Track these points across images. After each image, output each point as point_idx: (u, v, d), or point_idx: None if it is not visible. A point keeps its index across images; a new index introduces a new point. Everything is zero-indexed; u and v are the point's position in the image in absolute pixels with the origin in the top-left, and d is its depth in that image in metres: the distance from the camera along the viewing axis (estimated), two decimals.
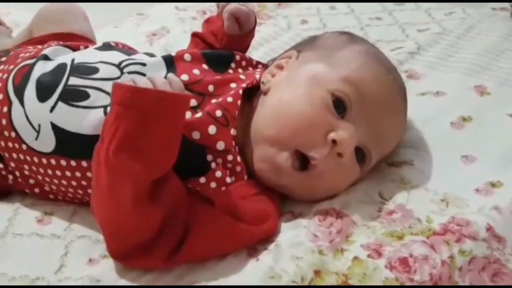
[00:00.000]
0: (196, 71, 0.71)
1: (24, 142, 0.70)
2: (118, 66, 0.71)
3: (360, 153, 0.67)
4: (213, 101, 0.68)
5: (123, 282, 0.61)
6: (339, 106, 0.66)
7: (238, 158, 0.67)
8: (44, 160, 0.69)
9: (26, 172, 0.72)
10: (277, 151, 0.65)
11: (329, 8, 1.20)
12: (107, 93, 0.67)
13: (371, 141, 0.67)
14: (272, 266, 0.59)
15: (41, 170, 0.70)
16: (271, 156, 0.66)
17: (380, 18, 1.12)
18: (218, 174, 0.65)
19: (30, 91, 0.70)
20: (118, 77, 0.69)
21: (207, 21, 0.89)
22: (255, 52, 0.98)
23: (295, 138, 0.65)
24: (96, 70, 0.71)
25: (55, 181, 0.70)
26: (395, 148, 0.73)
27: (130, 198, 0.58)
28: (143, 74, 0.68)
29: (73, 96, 0.68)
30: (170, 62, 0.72)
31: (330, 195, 0.67)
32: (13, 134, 0.70)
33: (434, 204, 0.65)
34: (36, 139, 0.69)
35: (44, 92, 0.70)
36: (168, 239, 0.60)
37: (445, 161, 0.72)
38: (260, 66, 0.79)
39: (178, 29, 1.13)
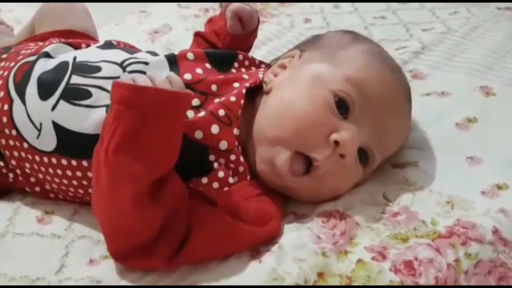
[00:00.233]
0: (199, 70, 0.70)
1: (25, 141, 0.69)
2: (120, 65, 0.71)
3: (363, 154, 0.66)
4: (216, 100, 0.67)
5: (124, 283, 0.60)
6: (342, 106, 0.65)
7: (241, 158, 0.67)
8: (45, 159, 0.68)
9: (27, 171, 0.72)
10: (278, 152, 0.65)
11: (332, 6, 1.19)
12: (109, 92, 0.66)
13: (374, 142, 0.66)
14: (275, 268, 0.59)
15: (42, 169, 0.70)
16: (271, 158, 0.65)
17: (384, 17, 1.11)
18: (221, 174, 0.65)
19: (32, 89, 0.70)
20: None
21: (210, 21, 0.88)
22: (258, 51, 0.98)
23: (297, 138, 0.64)
24: (98, 69, 0.70)
25: (56, 180, 0.70)
26: (399, 149, 0.72)
27: (130, 198, 0.58)
28: (146, 73, 0.68)
29: (75, 95, 0.68)
30: (173, 61, 0.71)
31: (333, 196, 0.67)
32: (14, 132, 0.70)
33: (439, 206, 0.65)
34: (38, 137, 0.68)
35: (45, 90, 0.69)
36: (170, 239, 0.60)
37: (450, 163, 0.72)
38: (263, 65, 0.78)
39: (180, 27, 1.12)
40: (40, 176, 0.71)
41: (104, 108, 0.66)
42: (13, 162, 0.72)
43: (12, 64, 0.74)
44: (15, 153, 0.71)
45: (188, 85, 0.67)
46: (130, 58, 0.72)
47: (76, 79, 0.69)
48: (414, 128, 0.77)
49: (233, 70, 0.73)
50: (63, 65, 0.71)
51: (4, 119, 0.70)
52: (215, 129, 0.65)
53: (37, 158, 0.69)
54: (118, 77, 0.68)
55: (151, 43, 1.07)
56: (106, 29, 1.08)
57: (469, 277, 0.56)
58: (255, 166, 0.67)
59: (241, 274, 0.59)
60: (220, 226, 0.61)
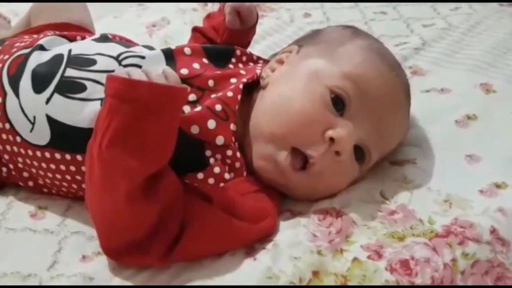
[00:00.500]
0: (196, 65, 0.69)
1: (19, 134, 0.68)
2: (116, 58, 0.70)
3: (359, 152, 0.65)
4: (213, 96, 0.67)
5: (117, 280, 0.60)
6: (338, 103, 0.64)
7: (238, 154, 0.66)
8: (39, 153, 0.68)
9: (20, 165, 0.71)
10: (276, 149, 0.64)
11: (333, 1, 1.17)
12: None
13: (371, 140, 0.65)
14: (270, 266, 0.58)
15: (35, 163, 0.69)
16: (270, 154, 0.64)
17: (385, 13, 1.10)
18: (217, 170, 0.64)
19: (26, 82, 0.69)
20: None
21: (208, 16, 0.88)
22: (257, 45, 0.97)
23: (292, 135, 0.63)
24: (93, 62, 0.69)
25: (49, 174, 0.69)
26: (397, 146, 0.71)
27: (124, 194, 0.57)
28: (142, 67, 0.67)
29: (70, 88, 0.67)
30: (170, 56, 0.70)
31: (329, 194, 0.66)
32: (7, 125, 0.69)
33: (437, 204, 0.64)
34: (31, 131, 0.67)
35: (40, 83, 0.68)
36: (164, 236, 0.59)
37: (449, 161, 0.71)
38: (261, 61, 0.77)
39: (178, 21, 1.11)
40: (33, 170, 0.70)
41: (99, 102, 0.65)
42: (6, 157, 0.71)
43: (6, 57, 0.73)
44: (8, 148, 0.70)
45: (184, 80, 0.66)
46: (126, 52, 0.71)
47: (71, 72, 0.68)
48: (413, 125, 0.76)
49: (231, 66, 0.73)
50: (57, 58, 0.70)
51: None
52: (211, 124, 0.64)
53: (30, 152, 0.68)
54: (113, 71, 0.67)
55: (148, 36, 1.06)
56: (104, 22, 1.07)
57: (466, 277, 0.56)
58: (252, 162, 0.67)
59: (235, 272, 0.59)
60: (215, 222, 0.61)
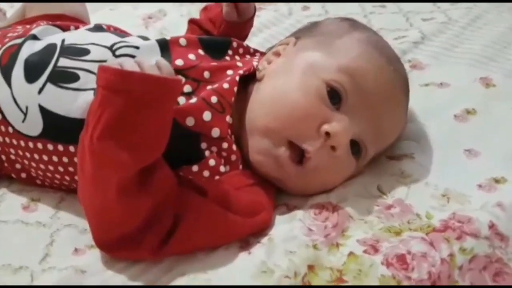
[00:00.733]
0: (191, 56, 0.68)
1: (11, 125, 0.67)
2: (110, 48, 0.69)
3: (355, 147, 0.64)
4: (209, 87, 0.66)
5: (109, 274, 0.59)
6: (334, 97, 0.63)
7: (234, 147, 0.65)
8: (31, 144, 0.67)
9: (12, 157, 0.70)
10: (273, 143, 0.63)
11: None
12: None
13: (367, 135, 0.64)
14: (264, 260, 0.57)
15: (28, 155, 0.68)
16: (267, 149, 0.64)
17: (384, 6, 1.09)
18: (212, 162, 0.63)
19: (18, 71, 0.68)
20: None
21: (205, 8, 0.87)
22: (255, 38, 0.96)
23: (288, 129, 0.63)
24: (87, 51, 0.68)
25: (42, 166, 0.68)
26: (394, 141, 0.70)
27: (116, 187, 0.56)
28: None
29: (63, 78, 0.66)
30: (165, 46, 0.69)
31: (325, 189, 0.65)
32: None
33: (435, 199, 0.63)
34: (23, 121, 0.66)
35: (32, 72, 0.67)
36: (157, 229, 0.58)
37: (447, 155, 0.70)
38: (258, 54, 0.76)
39: (175, 13, 1.10)
40: (26, 162, 0.69)
41: (92, 92, 0.64)
42: None
43: None
44: (0, 138, 0.69)
45: (180, 71, 0.65)
46: (120, 42, 0.70)
47: (64, 62, 0.67)
48: (411, 119, 0.75)
49: (227, 58, 0.72)
50: (50, 48, 0.69)
51: None
52: (207, 115, 0.63)
53: (22, 143, 0.67)
54: (107, 61, 0.66)
55: (145, 28, 1.05)
56: (100, 14, 1.06)
57: (463, 272, 0.55)
58: (248, 155, 0.66)
59: (229, 266, 0.58)
60: (209, 216, 0.60)
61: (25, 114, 0.66)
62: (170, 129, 0.58)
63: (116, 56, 0.68)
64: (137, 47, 0.69)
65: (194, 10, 1.06)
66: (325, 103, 0.63)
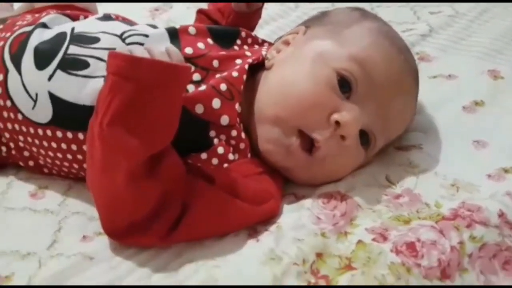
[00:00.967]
0: (200, 45, 0.68)
1: (20, 112, 0.67)
2: (120, 36, 0.69)
3: (364, 137, 0.64)
4: (218, 75, 0.66)
5: (117, 260, 0.59)
6: (344, 86, 0.63)
7: (242, 135, 0.65)
8: (40, 131, 0.67)
9: (21, 144, 0.70)
10: (283, 132, 0.63)
11: None
12: None
13: (377, 124, 0.64)
14: (272, 247, 0.57)
15: (36, 142, 0.68)
16: (277, 138, 0.63)
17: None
18: (220, 150, 0.63)
19: (28, 58, 0.68)
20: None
21: None
22: (261, 30, 0.96)
23: (297, 118, 0.62)
24: (97, 39, 0.68)
25: (50, 153, 0.68)
26: (403, 132, 0.70)
27: (125, 174, 0.56)
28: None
29: (73, 65, 0.66)
30: (174, 35, 0.69)
31: (333, 179, 0.65)
32: (8, 103, 0.68)
33: (444, 189, 0.63)
34: (33, 108, 0.67)
35: (42, 60, 0.67)
36: (166, 216, 0.58)
37: (455, 146, 0.70)
38: (266, 44, 0.76)
39: (181, 5, 1.10)
40: (34, 149, 0.69)
41: (102, 79, 0.64)
42: (7, 135, 0.70)
43: (8, 34, 0.72)
44: (9, 126, 0.69)
45: (189, 59, 0.65)
46: (129, 30, 0.70)
47: (74, 49, 0.67)
48: (420, 111, 0.75)
49: (236, 47, 0.72)
50: (60, 36, 0.69)
51: None
52: (216, 103, 0.63)
53: (31, 130, 0.67)
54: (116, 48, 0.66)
55: (151, 20, 1.05)
56: (106, 6, 1.06)
57: (473, 260, 0.55)
58: (257, 144, 0.66)
59: (238, 252, 0.58)
60: (217, 203, 0.60)
61: (35, 101, 0.66)
62: (180, 116, 0.58)
63: (126, 44, 0.68)
64: (146, 35, 0.69)
65: (201, 3, 1.05)
66: (335, 92, 0.63)
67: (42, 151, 0.69)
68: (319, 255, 0.56)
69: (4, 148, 0.72)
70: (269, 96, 0.66)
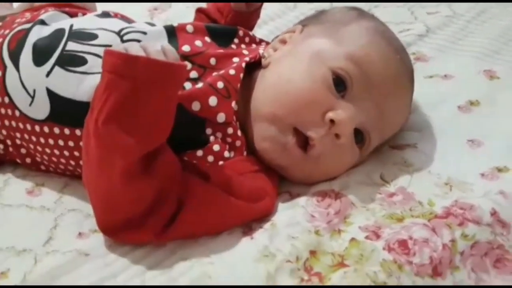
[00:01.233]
0: (198, 43, 0.69)
1: (18, 108, 0.68)
2: (118, 33, 0.69)
3: (359, 135, 0.65)
4: (215, 73, 0.66)
5: (112, 257, 0.59)
6: (340, 85, 0.63)
7: (239, 133, 0.65)
8: (37, 128, 0.67)
9: (18, 141, 0.70)
10: (279, 130, 0.63)
11: None
12: None
13: (372, 123, 0.64)
14: (267, 245, 0.58)
15: (34, 139, 0.68)
16: (274, 136, 0.64)
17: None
18: (216, 147, 0.63)
19: (26, 55, 0.68)
20: None
21: None
22: (259, 30, 0.96)
23: (293, 116, 0.63)
24: (95, 36, 0.69)
25: (47, 150, 0.68)
26: (398, 131, 0.71)
27: (120, 171, 0.56)
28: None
29: (71, 61, 0.66)
30: (172, 32, 0.70)
31: (328, 178, 0.65)
32: (6, 99, 0.68)
33: (437, 187, 0.63)
34: (30, 105, 0.67)
35: (40, 56, 0.68)
36: (161, 213, 0.58)
37: (450, 145, 0.70)
38: (263, 43, 0.76)
39: (180, 4, 1.10)
40: (31, 146, 0.70)
41: (100, 75, 0.64)
42: (4, 132, 0.71)
43: (7, 31, 0.72)
44: (6, 122, 0.69)
45: (186, 57, 0.66)
46: (128, 27, 0.71)
47: (72, 46, 0.68)
48: (415, 110, 0.75)
49: (233, 46, 0.72)
50: (59, 32, 0.70)
51: None
52: (213, 100, 0.63)
53: (28, 127, 0.68)
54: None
55: (150, 19, 1.06)
56: (105, 5, 1.06)
57: (465, 258, 0.55)
58: (253, 142, 0.66)
59: (232, 250, 0.58)
60: (212, 200, 0.60)
61: (33, 98, 0.67)
62: (175, 114, 0.59)
63: (124, 41, 0.68)
64: (144, 33, 0.69)
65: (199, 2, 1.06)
66: (331, 91, 0.63)
67: (39, 148, 0.69)
68: (312, 253, 0.56)
69: (1, 145, 0.72)
70: (266, 94, 0.66)
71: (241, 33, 0.74)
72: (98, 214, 0.61)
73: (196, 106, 0.63)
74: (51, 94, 0.66)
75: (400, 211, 0.60)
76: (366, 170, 0.67)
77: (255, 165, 0.66)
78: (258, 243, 0.58)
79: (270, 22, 1.02)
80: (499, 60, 0.85)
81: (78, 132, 0.65)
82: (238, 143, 0.65)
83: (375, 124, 0.65)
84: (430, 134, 0.72)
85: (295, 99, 0.63)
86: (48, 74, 0.66)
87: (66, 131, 0.66)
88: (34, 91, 0.67)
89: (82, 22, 0.72)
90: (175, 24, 0.71)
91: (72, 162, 0.68)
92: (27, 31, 0.70)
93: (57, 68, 0.66)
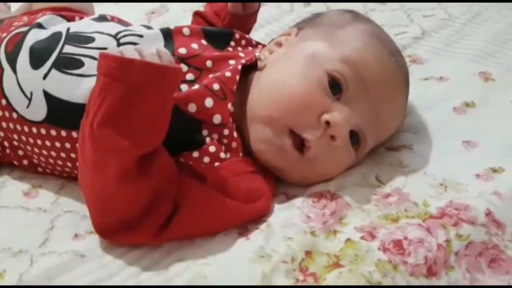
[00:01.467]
0: (194, 46, 0.69)
1: (15, 110, 0.68)
2: (115, 36, 0.70)
3: (355, 137, 0.65)
4: (211, 76, 0.66)
5: (108, 258, 0.59)
6: (335, 87, 0.64)
7: (235, 134, 0.66)
8: (34, 130, 0.67)
9: (15, 143, 0.71)
10: (275, 132, 0.64)
11: None
12: None
13: (367, 125, 0.65)
14: (262, 245, 0.58)
15: (31, 140, 0.69)
16: (270, 137, 0.64)
17: (385, 3, 1.09)
18: (212, 149, 0.63)
19: (23, 58, 0.69)
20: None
21: (211, 1, 0.87)
22: (256, 33, 0.96)
23: (289, 118, 0.63)
24: (92, 39, 0.69)
25: (44, 152, 0.69)
26: (394, 133, 0.71)
27: (115, 174, 0.57)
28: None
29: (67, 64, 0.67)
30: (168, 35, 0.70)
31: (324, 179, 0.66)
32: (3, 102, 0.69)
33: (432, 188, 0.63)
34: (28, 107, 0.67)
35: (37, 59, 0.68)
36: (157, 214, 0.59)
37: (445, 146, 0.70)
38: (260, 46, 0.77)
39: (177, 8, 1.11)
40: (28, 148, 0.70)
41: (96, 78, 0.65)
42: (1, 134, 0.71)
43: (4, 34, 0.73)
44: (4, 124, 0.70)
45: (182, 59, 0.66)
46: (124, 31, 0.71)
47: (69, 49, 0.68)
48: (411, 112, 0.76)
49: (229, 48, 0.73)
50: (56, 35, 0.70)
51: None
52: (209, 102, 0.64)
53: (26, 128, 0.68)
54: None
55: (147, 23, 1.06)
56: (103, 8, 1.06)
57: (459, 258, 0.55)
58: (250, 143, 0.66)
59: (228, 251, 0.58)
60: (208, 201, 0.60)
61: (30, 100, 0.67)
62: (171, 117, 0.59)
63: (121, 44, 0.68)
64: (141, 36, 0.70)
65: (197, 6, 1.06)
66: (326, 93, 0.63)
67: (36, 150, 0.69)
68: (308, 253, 0.56)
69: None
70: (262, 96, 0.66)
71: (237, 36, 0.74)
72: (93, 215, 0.61)
73: (192, 107, 0.63)
74: (48, 96, 0.66)
75: (395, 211, 0.60)
76: (362, 171, 0.67)
77: (251, 166, 0.66)
78: (254, 244, 0.58)
79: (267, 25, 1.03)
80: (494, 63, 0.86)
81: (74, 134, 0.65)
82: (234, 144, 0.66)
83: (370, 126, 0.65)
84: (425, 135, 0.73)
85: (290, 101, 0.63)
86: (45, 77, 0.67)
87: (63, 133, 0.66)
88: (31, 93, 0.67)
89: (79, 26, 0.72)
90: (171, 27, 0.71)
91: (69, 164, 0.69)
92: (24, 34, 0.71)
93: (54, 70, 0.67)
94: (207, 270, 0.56)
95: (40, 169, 0.72)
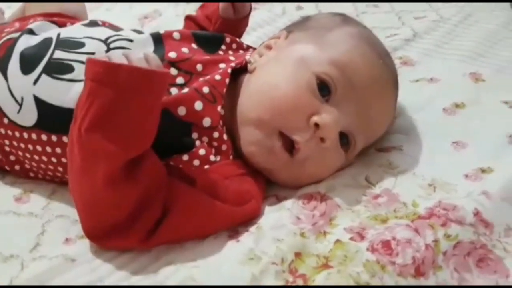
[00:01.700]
0: (184, 50, 0.69)
1: (6, 116, 0.68)
2: (105, 41, 0.70)
3: (344, 139, 0.65)
4: (201, 79, 0.66)
5: (98, 262, 0.60)
6: (324, 89, 0.64)
7: (225, 136, 0.66)
8: (25, 135, 0.68)
9: (7, 148, 0.71)
10: (265, 134, 0.64)
11: None
12: None
13: (356, 127, 0.65)
14: (252, 247, 0.58)
15: (22, 146, 0.69)
16: (260, 139, 0.64)
17: (377, 5, 1.10)
18: (202, 151, 0.64)
19: (14, 63, 0.69)
20: (106, 52, 0.68)
21: (202, 6, 0.88)
22: (248, 36, 0.97)
23: (278, 120, 0.63)
24: (82, 44, 0.69)
25: (35, 157, 0.69)
26: (383, 134, 0.71)
27: (104, 178, 0.57)
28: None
29: (58, 69, 0.67)
30: (158, 40, 0.70)
31: (315, 181, 0.66)
32: None
33: (421, 189, 0.63)
34: (18, 112, 0.67)
35: (28, 64, 0.68)
36: (146, 219, 0.59)
37: (435, 147, 0.71)
38: (251, 50, 0.77)
39: (170, 12, 1.11)
40: (20, 153, 0.70)
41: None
42: None
43: None
44: None
45: (172, 63, 0.67)
46: (114, 35, 0.71)
47: (59, 54, 0.68)
48: (401, 113, 0.76)
49: (220, 52, 0.73)
50: (46, 41, 0.70)
51: None
52: (198, 105, 0.64)
53: (17, 134, 0.68)
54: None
55: (140, 28, 1.07)
56: (96, 13, 1.07)
57: (447, 258, 0.55)
58: (240, 146, 0.66)
59: (217, 253, 0.58)
60: (198, 205, 0.60)
61: (20, 105, 0.67)
62: (161, 119, 0.59)
63: (111, 49, 0.69)
64: (131, 40, 0.70)
65: (189, 10, 1.07)
66: (315, 95, 0.64)
67: (28, 155, 0.69)
68: (297, 255, 0.56)
69: None
70: (251, 99, 0.67)
71: (228, 39, 0.74)
72: (83, 220, 0.61)
73: (182, 110, 0.63)
74: (38, 101, 0.66)
75: (385, 212, 0.61)
76: (351, 173, 0.67)
77: (241, 169, 0.66)
78: (244, 246, 0.58)
79: (259, 29, 1.03)
80: (484, 63, 0.86)
81: (65, 139, 0.65)
82: (224, 147, 0.66)
83: (360, 127, 0.65)
84: (415, 136, 0.73)
85: (280, 103, 0.63)
86: (35, 82, 0.67)
87: (54, 138, 0.66)
88: (22, 98, 0.67)
89: (70, 31, 0.73)
90: (161, 31, 0.72)
91: (60, 169, 0.69)
92: (15, 40, 0.71)
93: (44, 76, 0.67)
94: (196, 272, 0.56)
95: (31, 174, 0.72)
